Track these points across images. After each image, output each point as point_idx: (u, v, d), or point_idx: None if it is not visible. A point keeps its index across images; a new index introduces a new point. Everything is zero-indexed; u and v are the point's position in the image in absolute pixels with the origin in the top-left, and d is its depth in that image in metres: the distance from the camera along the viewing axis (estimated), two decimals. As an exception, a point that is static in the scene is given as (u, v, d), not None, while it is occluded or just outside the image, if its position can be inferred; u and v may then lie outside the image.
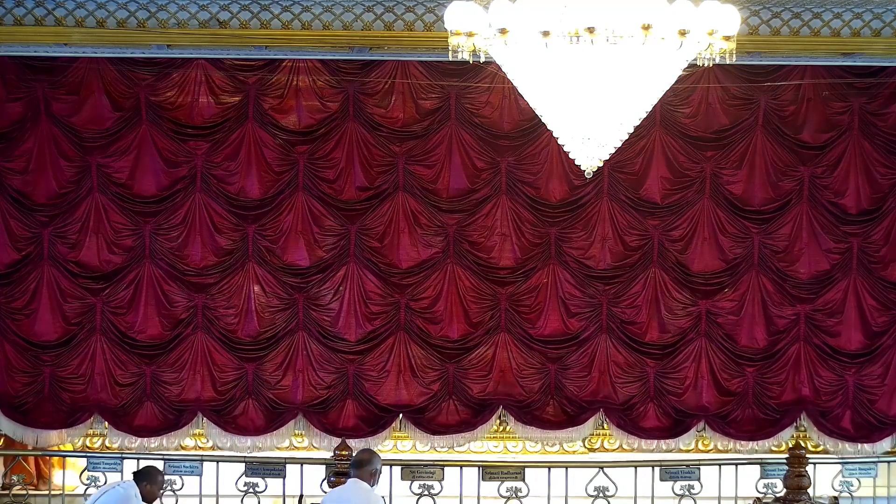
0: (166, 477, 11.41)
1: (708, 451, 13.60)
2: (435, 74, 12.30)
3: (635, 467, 11.61)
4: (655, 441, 12.56)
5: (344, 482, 9.28)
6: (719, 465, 11.86)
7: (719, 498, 11.69)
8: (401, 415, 12.55)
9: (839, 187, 12.59)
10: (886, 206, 12.62)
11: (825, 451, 12.51)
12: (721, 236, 12.59)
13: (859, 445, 12.51)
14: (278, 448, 12.63)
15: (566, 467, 11.59)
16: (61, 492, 12.01)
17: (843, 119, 12.54)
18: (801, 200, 12.58)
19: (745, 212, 12.58)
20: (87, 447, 13.33)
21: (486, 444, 13.59)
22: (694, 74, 10.41)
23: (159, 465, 11.49)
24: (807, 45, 12.01)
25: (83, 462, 12.20)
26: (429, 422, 12.62)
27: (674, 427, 12.59)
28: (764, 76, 12.35)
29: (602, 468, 11.48)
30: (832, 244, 12.62)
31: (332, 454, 11.04)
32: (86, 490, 11.73)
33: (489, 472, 11.47)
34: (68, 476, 12.44)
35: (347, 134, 12.37)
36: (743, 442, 12.50)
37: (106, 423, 12.52)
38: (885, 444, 12.52)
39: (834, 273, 12.65)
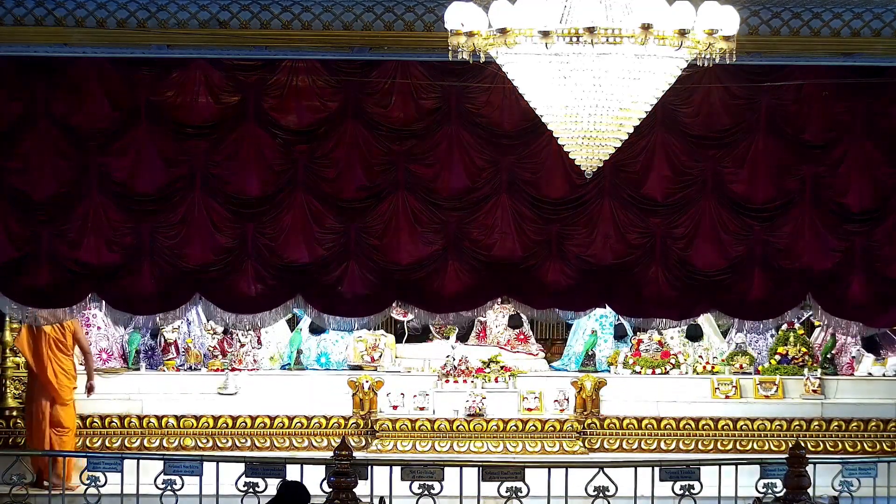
0: (165, 477, 11.41)
1: (708, 452, 13.65)
2: (435, 74, 12.26)
3: (635, 467, 11.59)
4: None
5: (343, 482, 9.24)
6: (719, 465, 11.85)
7: (719, 498, 11.68)
8: None
9: (842, 186, 12.55)
10: (889, 205, 12.61)
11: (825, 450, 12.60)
12: (723, 234, 12.58)
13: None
14: (278, 448, 12.68)
15: (566, 467, 11.57)
16: (61, 492, 12.00)
17: (846, 119, 12.50)
18: (803, 199, 12.55)
19: (747, 210, 12.55)
20: (87, 447, 13.39)
21: (487, 444, 13.63)
22: (695, 74, 10.41)
23: (159, 465, 11.51)
24: (807, 45, 11.98)
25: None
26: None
27: None
28: (766, 76, 12.34)
29: (602, 468, 11.45)
30: (835, 243, 12.62)
31: (332, 454, 11.03)
32: (86, 490, 11.71)
33: (489, 472, 11.45)
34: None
35: (347, 133, 12.34)
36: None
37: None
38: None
39: (837, 271, 12.66)
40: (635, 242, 12.59)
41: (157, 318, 12.77)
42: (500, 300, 13.13)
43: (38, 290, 12.32)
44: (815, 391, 14.18)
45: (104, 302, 12.56)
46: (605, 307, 13.34)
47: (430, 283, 12.44)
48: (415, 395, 13.96)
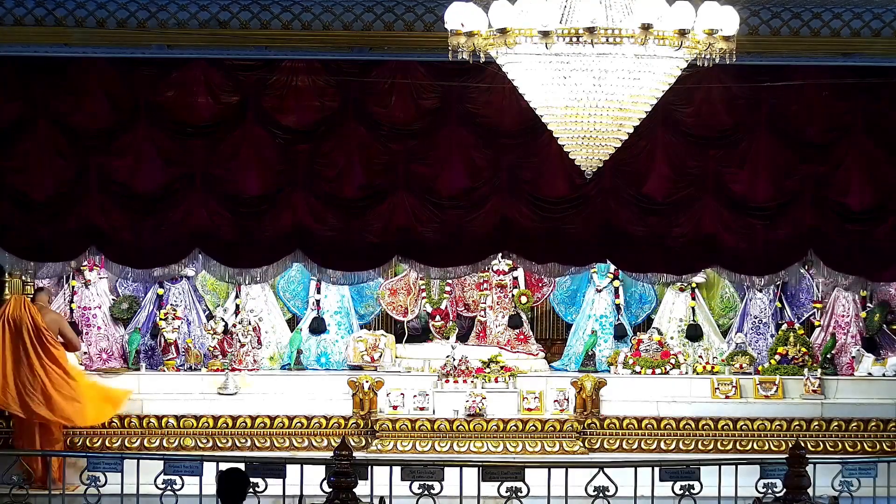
0: (165, 477, 11.41)
1: (708, 452, 13.64)
2: (435, 74, 12.26)
3: (635, 467, 11.58)
4: None
5: (343, 482, 9.23)
6: (719, 465, 11.84)
7: (719, 498, 11.67)
8: None
9: (842, 186, 12.57)
10: (889, 205, 12.61)
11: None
12: (725, 234, 12.58)
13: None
14: (278, 448, 12.67)
15: (566, 467, 11.57)
16: (61, 492, 12.00)
17: (847, 118, 12.51)
18: (804, 199, 12.57)
19: (748, 210, 12.57)
20: (87, 447, 13.38)
21: (487, 444, 13.62)
22: (695, 74, 10.43)
23: (159, 465, 11.51)
24: (807, 45, 11.99)
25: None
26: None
27: None
28: (766, 76, 12.33)
29: (602, 468, 11.44)
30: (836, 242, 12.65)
31: (332, 454, 11.02)
32: (86, 490, 11.71)
33: (489, 472, 11.44)
34: (69, 475, 12.46)
35: (347, 133, 12.36)
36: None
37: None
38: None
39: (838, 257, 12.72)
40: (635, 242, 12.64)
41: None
42: (500, 255, 13.25)
43: (37, 245, 12.33)
44: (815, 391, 14.17)
45: (103, 256, 12.55)
46: (605, 262, 13.44)
47: (431, 243, 12.53)
48: (415, 395, 13.94)
